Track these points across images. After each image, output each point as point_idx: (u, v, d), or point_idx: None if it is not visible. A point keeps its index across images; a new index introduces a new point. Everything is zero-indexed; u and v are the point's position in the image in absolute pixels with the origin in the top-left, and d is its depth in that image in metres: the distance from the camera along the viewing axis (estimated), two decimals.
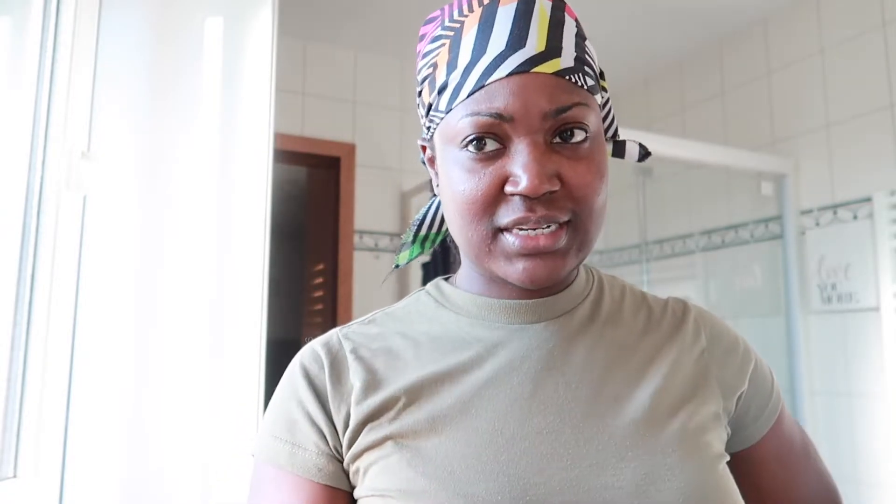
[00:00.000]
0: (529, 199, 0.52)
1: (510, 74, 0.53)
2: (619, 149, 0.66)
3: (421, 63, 0.61)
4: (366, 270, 2.74)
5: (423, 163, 0.65)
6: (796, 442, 0.70)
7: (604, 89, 0.63)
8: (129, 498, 1.12)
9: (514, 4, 0.55)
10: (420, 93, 0.62)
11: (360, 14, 2.55)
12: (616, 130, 0.66)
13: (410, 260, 0.70)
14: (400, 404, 0.57)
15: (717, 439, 0.58)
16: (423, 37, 0.62)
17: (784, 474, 0.68)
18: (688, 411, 0.58)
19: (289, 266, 3.65)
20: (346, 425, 0.57)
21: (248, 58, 1.35)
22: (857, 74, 2.23)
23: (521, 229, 0.53)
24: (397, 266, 0.71)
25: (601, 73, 0.63)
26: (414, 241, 0.70)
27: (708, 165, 2.34)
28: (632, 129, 2.17)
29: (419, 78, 0.62)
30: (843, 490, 0.77)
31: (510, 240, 0.54)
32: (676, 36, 2.71)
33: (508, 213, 0.53)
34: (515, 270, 0.54)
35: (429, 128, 0.61)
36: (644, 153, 0.66)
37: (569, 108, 0.53)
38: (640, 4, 2.45)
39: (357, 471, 0.57)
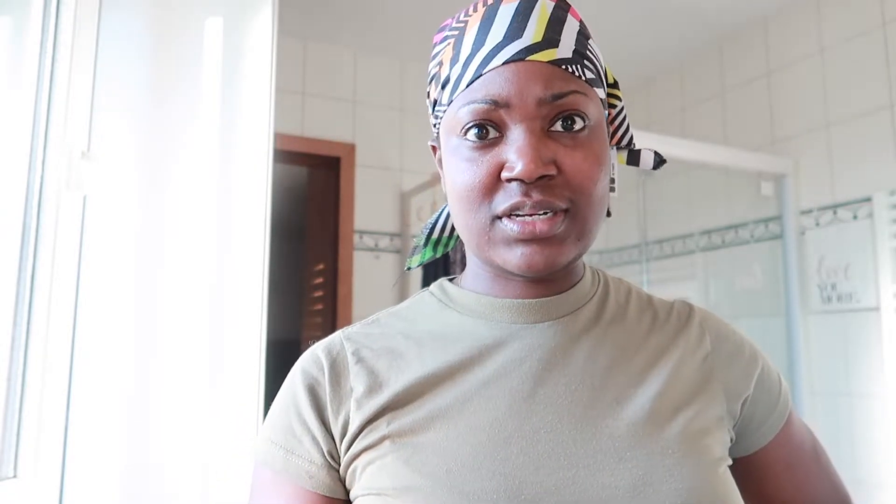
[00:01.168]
0: (525, 184, 0.53)
1: (506, 62, 0.54)
2: (633, 157, 0.66)
3: (430, 65, 0.63)
4: (366, 270, 2.74)
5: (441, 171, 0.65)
6: (806, 448, 0.69)
7: (618, 98, 0.64)
8: (128, 498, 1.12)
9: (516, 3, 0.56)
10: (429, 94, 0.63)
11: (360, 14, 2.55)
12: (631, 139, 0.66)
13: (422, 263, 0.70)
14: (400, 404, 0.57)
15: (719, 443, 0.58)
16: (434, 44, 0.63)
17: (791, 481, 0.67)
18: (689, 414, 0.57)
19: (289, 266, 3.64)
20: (345, 431, 0.57)
21: (248, 58, 1.35)
22: (857, 74, 2.23)
23: (517, 215, 0.54)
24: (409, 269, 0.71)
25: (616, 83, 0.64)
26: (426, 244, 0.70)
27: (708, 165, 2.34)
28: (631, 129, 2.17)
29: (428, 78, 0.63)
30: None
31: (508, 225, 0.54)
32: (676, 36, 2.71)
33: (505, 200, 0.54)
34: (514, 256, 0.54)
35: (435, 125, 0.61)
36: (659, 161, 0.66)
37: (565, 94, 0.54)
38: (640, 5, 2.45)
39: (354, 471, 0.57)
